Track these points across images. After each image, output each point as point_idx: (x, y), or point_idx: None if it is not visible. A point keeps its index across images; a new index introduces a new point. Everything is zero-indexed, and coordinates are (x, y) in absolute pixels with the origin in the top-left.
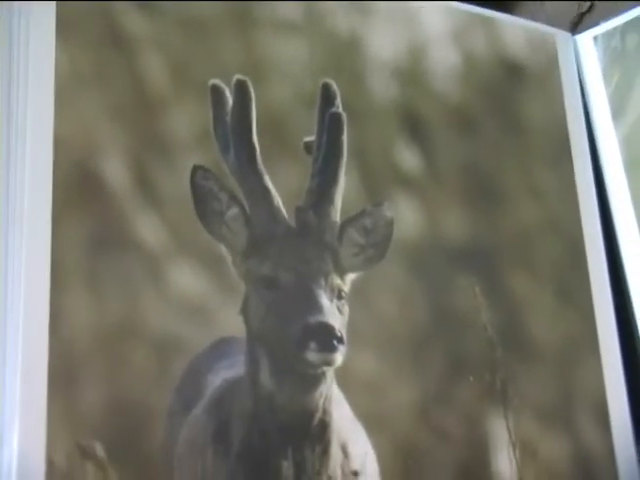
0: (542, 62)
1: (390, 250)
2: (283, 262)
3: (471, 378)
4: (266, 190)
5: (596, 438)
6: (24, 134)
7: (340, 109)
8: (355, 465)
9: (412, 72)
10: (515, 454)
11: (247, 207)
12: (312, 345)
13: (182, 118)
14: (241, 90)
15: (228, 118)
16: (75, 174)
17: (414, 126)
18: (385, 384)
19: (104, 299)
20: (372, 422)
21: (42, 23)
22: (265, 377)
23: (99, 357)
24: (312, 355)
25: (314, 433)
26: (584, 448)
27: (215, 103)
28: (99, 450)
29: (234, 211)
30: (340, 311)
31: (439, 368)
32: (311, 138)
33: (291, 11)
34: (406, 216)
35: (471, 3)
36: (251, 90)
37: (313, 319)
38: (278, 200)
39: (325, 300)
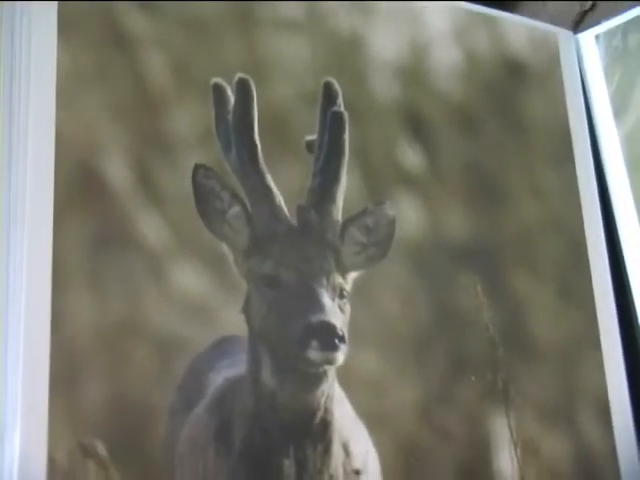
0: (544, 61)
1: (392, 249)
2: (285, 261)
3: (473, 377)
4: (268, 189)
5: (598, 437)
6: (26, 133)
7: (342, 108)
8: (357, 464)
9: (414, 71)
10: (517, 453)
11: (249, 206)
12: (314, 344)
13: (184, 117)
14: (243, 89)
15: (230, 117)
16: (77, 173)
17: (416, 125)
18: (387, 383)
19: (106, 298)
20: (374, 421)
21: (44, 23)
22: (267, 376)
23: (101, 356)
24: (314, 354)
25: (316, 432)
26: (586, 447)
27: (217, 102)
28: (101, 449)
29: (236, 210)
30: (342, 310)
31: (441, 367)
32: (313, 137)
33: (293, 10)
34: (408, 215)
35: (473, 2)
36: (253, 89)
37: (315, 318)
38: (280, 199)
39: (327, 299)
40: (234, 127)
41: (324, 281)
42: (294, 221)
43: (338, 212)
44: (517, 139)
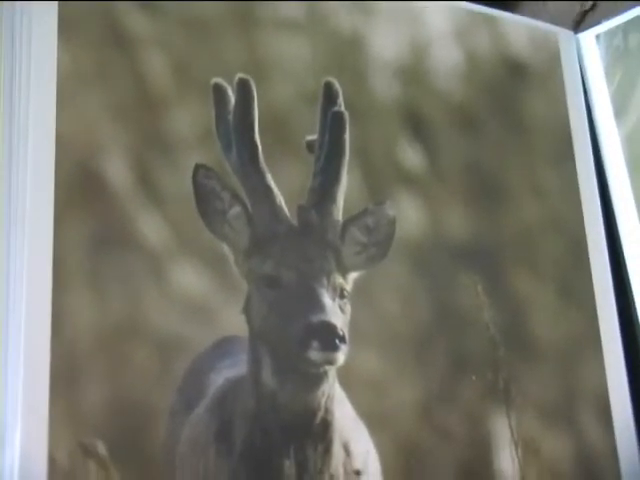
0: (544, 61)
1: (392, 249)
2: (285, 261)
3: (473, 377)
4: (268, 189)
5: (598, 437)
6: (26, 134)
7: (342, 108)
8: (357, 464)
9: (414, 71)
10: (517, 453)
11: (249, 206)
12: (314, 344)
13: (184, 117)
14: (243, 89)
15: (230, 117)
16: (77, 173)
17: (416, 125)
18: (387, 383)
19: (106, 298)
20: (374, 421)
21: (44, 23)
22: (267, 376)
23: (101, 356)
24: (314, 354)
25: (316, 432)
26: (586, 447)
27: (217, 102)
28: (101, 449)
29: (236, 210)
30: (342, 310)
31: (441, 367)
32: (313, 137)
33: (293, 10)
34: (408, 215)
35: (473, 2)
36: (253, 89)
37: (315, 318)
38: (280, 199)
39: (327, 299)
40: (234, 127)
41: (324, 281)
42: (295, 221)
43: (338, 212)
44: (518, 139)
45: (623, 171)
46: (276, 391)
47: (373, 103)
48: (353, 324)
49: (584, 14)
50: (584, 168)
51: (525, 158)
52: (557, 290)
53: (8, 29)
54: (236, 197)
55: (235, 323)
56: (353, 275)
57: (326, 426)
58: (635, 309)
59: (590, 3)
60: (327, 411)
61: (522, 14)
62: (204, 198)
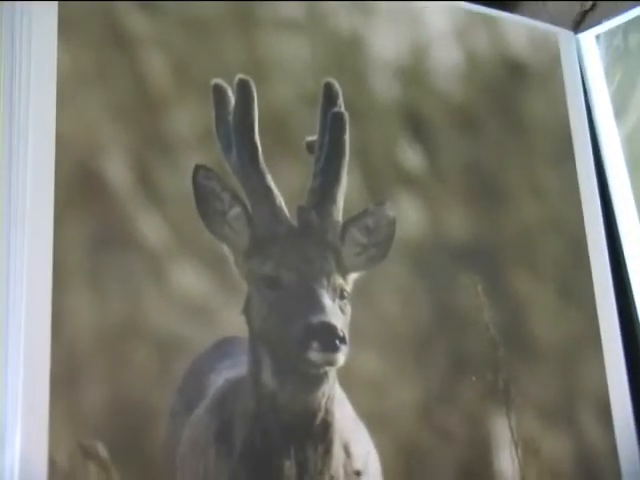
0: (544, 61)
1: (392, 249)
2: (285, 262)
3: (473, 377)
4: (268, 190)
5: (599, 437)
6: (26, 134)
7: (342, 108)
8: (357, 465)
9: (414, 71)
10: (517, 453)
11: (249, 207)
12: (314, 345)
13: (184, 118)
14: (243, 90)
15: (230, 118)
16: (77, 173)
17: (416, 125)
18: (387, 384)
19: (106, 299)
20: (374, 422)
21: (44, 23)
22: (267, 377)
23: (101, 357)
24: (314, 355)
25: (316, 433)
26: (587, 447)
27: (217, 103)
28: (101, 450)
29: (236, 211)
30: (342, 311)
31: (441, 367)
32: (313, 138)
33: (293, 11)
34: (408, 215)
35: (473, 2)
36: (253, 90)
37: (315, 319)
38: (280, 200)
39: (327, 300)
40: (234, 128)
41: (324, 282)
42: (295, 222)
43: (339, 213)
44: (517, 139)
45: (623, 171)
46: (276, 392)
47: (373, 104)
48: (353, 325)
49: (584, 14)
50: (584, 168)
51: (525, 158)
52: (557, 290)
53: (8, 29)
54: (236, 198)
55: (235, 324)
56: (353, 276)
57: (326, 427)
58: (635, 309)
59: (590, 3)
60: (327, 412)
61: (522, 14)
62: (204, 199)
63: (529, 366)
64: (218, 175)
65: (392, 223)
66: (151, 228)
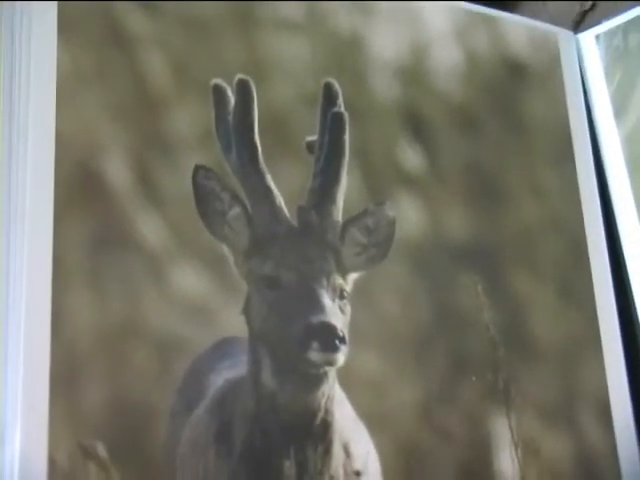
0: (544, 61)
1: (392, 249)
2: (285, 262)
3: (473, 377)
4: (268, 190)
5: (599, 437)
6: (26, 133)
7: (342, 108)
8: (357, 465)
9: (414, 71)
10: (517, 453)
11: (249, 207)
12: (314, 345)
13: (184, 118)
14: (243, 90)
15: (230, 118)
16: (77, 173)
17: (416, 125)
18: (387, 384)
19: (106, 299)
20: (374, 422)
21: (44, 23)
22: (267, 377)
23: (101, 357)
24: (314, 355)
25: (316, 433)
26: (586, 447)
27: (217, 103)
28: (101, 450)
29: (236, 211)
30: (342, 311)
31: (441, 367)
32: (313, 138)
33: (293, 11)
34: (408, 215)
35: (473, 2)
36: (253, 90)
37: (315, 319)
38: (280, 200)
39: (327, 300)
40: (234, 128)
41: (324, 282)
42: (294, 222)
43: (338, 213)
44: (517, 139)
45: (623, 171)
46: (276, 392)
47: (373, 104)
48: (353, 325)
49: (584, 14)
50: (584, 168)
51: (525, 158)
52: (557, 290)
53: (8, 29)
54: (236, 198)
55: (235, 324)
56: (353, 276)
57: (326, 427)
58: (635, 309)
59: (590, 3)
60: (327, 412)
61: (522, 14)
62: (204, 199)
63: (529, 366)
64: (218, 175)
65: (392, 223)
66: (151, 228)
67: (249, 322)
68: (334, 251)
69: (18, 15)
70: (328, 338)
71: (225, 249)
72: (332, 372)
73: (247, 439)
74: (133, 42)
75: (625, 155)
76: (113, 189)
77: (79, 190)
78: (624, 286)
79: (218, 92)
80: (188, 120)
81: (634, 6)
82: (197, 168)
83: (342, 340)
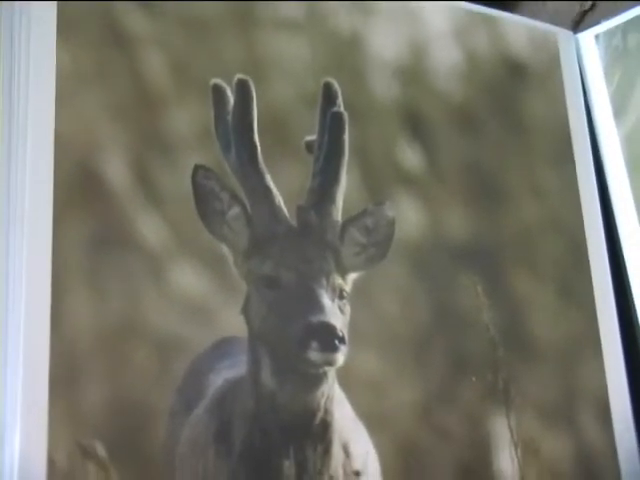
0: (544, 61)
1: (392, 249)
2: (284, 262)
3: (473, 378)
4: (267, 189)
5: (598, 437)
6: (25, 133)
7: (342, 108)
8: (357, 465)
9: (414, 71)
10: (517, 453)
11: (248, 206)
12: (314, 345)
13: (183, 117)
14: (242, 89)
15: (229, 117)
16: (76, 173)
17: (416, 125)
18: (387, 384)
19: (105, 299)
20: (374, 422)
21: (43, 23)
22: (267, 377)
23: (100, 357)
24: (314, 355)
25: (316, 433)
26: (586, 447)
27: (216, 102)
28: (100, 450)
29: (235, 211)
30: (342, 311)
31: (441, 368)
32: (312, 137)
33: (293, 10)
34: (408, 215)
35: (473, 2)
36: (252, 89)
37: (315, 319)
38: (279, 199)
39: (327, 300)
40: (234, 128)
41: (324, 282)
42: (294, 222)
43: (338, 213)
44: (517, 139)
45: (622, 171)
46: (275, 392)
47: (372, 103)
48: (352, 325)
49: (583, 14)
50: (583, 168)
51: (524, 158)
52: (557, 290)
53: (7, 29)
54: (235, 198)
55: (234, 324)
56: (352, 276)
57: (325, 427)
58: (635, 309)
59: (589, 3)
60: (326, 412)
61: (521, 14)
62: (203, 199)
63: (529, 366)
64: (217, 175)
65: (391, 223)
66: (150, 228)
67: (248, 322)
68: (333, 251)
69: (17, 15)
70: (327, 338)
71: (224, 249)
72: (331, 372)
73: (246, 439)
74: (133, 42)
75: (625, 155)
76: (112, 189)
77: (78, 190)
78: (624, 286)
79: (217, 92)
80: (187, 120)
81: (633, 6)
82: (196, 168)
83: (341, 340)
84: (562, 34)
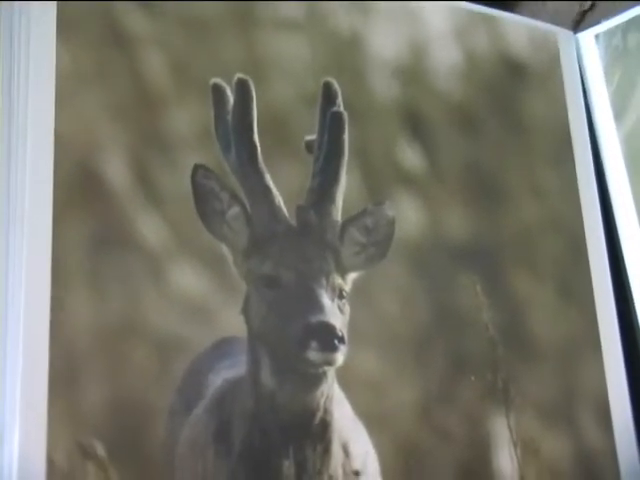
0: (544, 60)
1: (391, 249)
2: (284, 261)
3: (473, 377)
4: (267, 189)
5: (598, 437)
6: (25, 133)
7: (341, 108)
8: (356, 464)
9: (414, 71)
10: (517, 453)
11: (248, 206)
12: (313, 344)
13: (183, 117)
14: (242, 89)
15: (229, 117)
16: (76, 173)
17: (416, 125)
18: (386, 383)
19: (105, 298)
20: (373, 421)
21: (43, 23)
22: (266, 376)
23: (100, 356)
24: (313, 354)
25: (315, 432)
26: (586, 447)
27: (216, 102)
28: (100, 449)
29: (235, 210)
30: (341, 310)
31: (440, 367)
32: (312, 137)
33: (292, 10)
34: (408, 215)
35: (473, 2)
36: (252, 89)
37: (314, 318)
38: (279, 199)
39: (326, 299)
40: (233, 127)
41: (323, 281)
42: (293, 221)
43: (337, 212)
44: (517, 139)
45: (622, 171)
46: (275, 391)
47: (372, 103)
48: (352, 324)
49: (583, 14)
50: (583, 168)
51: (524, 158)
52: (556, 290)
53: (7, 29)
54: (235, 197)
55: (234, 323)
56: (352, 275)
57: (325, 426)
58: (634, 309)
59: (589, 3)
60: (326, 411)
61: (521, 14)
62: (203, 198)
63: (528, 366)
64: (217, 175)
65: (391, 223)
66: (150, 228)
67: (248, 322)
68: (333, 251)
69: (17, 15)
70: (327, 338)
71: (224, 248)
72: (331, 372)
73: (246, 439)
74: (132, 42)
75: (625, 155)
76: (112, 189)
77: (78, 190)
78: (624, 286)
79: (217, 92)
80: (187, 120)
81: (633, 6)
82: (196, 167)
83: (341, 340)
84: (562, 34)
